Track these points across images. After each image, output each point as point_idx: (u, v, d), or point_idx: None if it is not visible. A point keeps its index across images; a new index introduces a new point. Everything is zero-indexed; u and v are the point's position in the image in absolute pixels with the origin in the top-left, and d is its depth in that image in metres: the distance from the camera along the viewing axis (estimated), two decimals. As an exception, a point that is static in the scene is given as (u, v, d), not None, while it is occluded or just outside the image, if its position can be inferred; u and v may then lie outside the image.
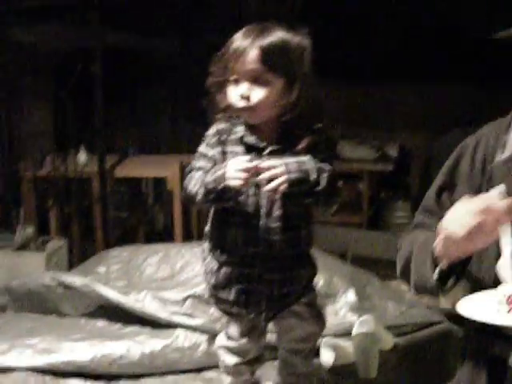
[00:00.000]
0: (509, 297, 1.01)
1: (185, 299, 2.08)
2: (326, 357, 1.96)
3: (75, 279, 2.15)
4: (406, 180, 5.30)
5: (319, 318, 1.64)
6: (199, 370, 1.94)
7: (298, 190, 1.36)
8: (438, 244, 1.06)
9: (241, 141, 1.43)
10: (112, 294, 2.07)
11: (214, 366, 1.93)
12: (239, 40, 1.37)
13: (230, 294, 1.51)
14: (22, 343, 1.97)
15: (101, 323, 2.16)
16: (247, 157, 1.36)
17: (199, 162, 1.45)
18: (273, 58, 1.36)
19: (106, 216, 3.67)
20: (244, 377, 1.61)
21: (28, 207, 3.84)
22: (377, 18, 4.65)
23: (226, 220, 1.47)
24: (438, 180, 1.25)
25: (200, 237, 3.68)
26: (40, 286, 2.21)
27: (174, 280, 2.37)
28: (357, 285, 2.26)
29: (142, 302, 2.08)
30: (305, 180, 1.35)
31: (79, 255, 3.85)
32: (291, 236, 1.46)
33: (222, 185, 1.34)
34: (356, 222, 4.66)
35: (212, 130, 1.47)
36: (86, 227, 4.05)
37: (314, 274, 1.60)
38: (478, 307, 1.02)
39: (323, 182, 1.37)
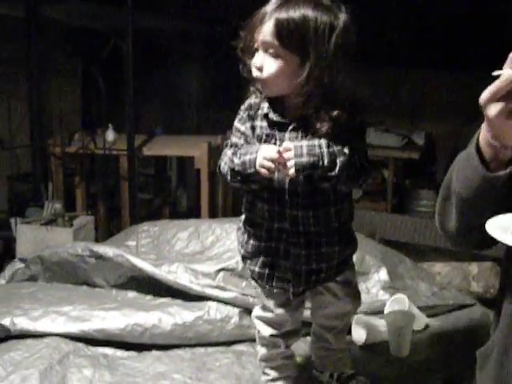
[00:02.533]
0: None
1: (217, 272, 2.08)
2: (358, 334, 1.95)
3: (107, 249, 2.16)
4: (432, 168, 5.26)
5: (355, 296, 1.63)
6: (230, 343, 1.94)
7: (310, 174, 1.33)
8: (481, 131, 0.99)
9: (266, 116, 1.41)
10: (145, 265, 2.07)
11: (245, 340, 1.95)
12: (263, 10, 1.33)
13: (256, 266, 1.51)
14: (55, 310, 1.98)
15: (132, 294, 2.17)
16: (276, 147, 1.34)
17: (233, 138, 1.47)
18: (286, 34, 1.29)
19: (134, 194, 3.69)
20: (279, 349, 1.60)
21: (56, 183, 3.88)
22: (407, 7, 4.58)
23: (255, 194, 1.47)
24: None
25: (225, 216, 3.70)
26: (72, 255, 2.22)
27: (205, 255, 2.37)
28: (389, 264, 2.24)
29: (175, 273, 2.08)
30: (315, 164, 1.31)
31: (105, 233, 3.88)
32: (318, 213, 1.43)
33: (250, 171, 1.35)
34: (381, 209, 4.65)
35: (244, 105, 1.46)
36: (112, 206, 4.09)
37: (352, 253, 1.58)
38: (502, 225, 0.96)
39: (338, 167, 1.31)
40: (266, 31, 1.31)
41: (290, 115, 1.40)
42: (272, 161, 1.32)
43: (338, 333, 1.67)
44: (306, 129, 1.37)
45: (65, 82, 4.27)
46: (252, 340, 1.82)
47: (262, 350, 1.63)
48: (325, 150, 1.32)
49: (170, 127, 4.91)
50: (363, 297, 2.08)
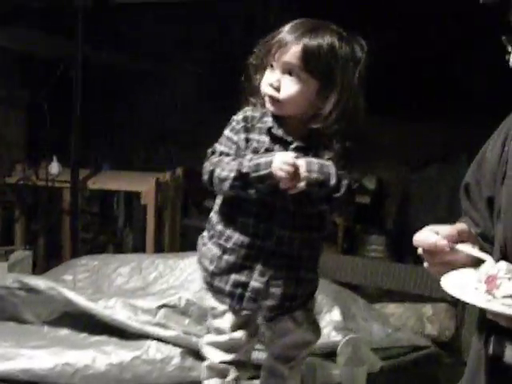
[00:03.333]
0: (489, 276, 0.95)
1: (158, 308, 1.92)
2: (310, 377, 1.82)
3: (39, 282, 1.99)
4: (382, 214, 5.26)
5: (316, 326, 1.55)
6: (171, 385, 1.79)
7: (317, 191, 1.33)
8: None
9: (268, 131, 1.39)
10: (79, 299, 1.91)
11: (187, 382, 1.79)
12: (287, 31, 1.35)
13: (227, 285, 1.41)
14: (-24, 348, 1.78)
15: (65, 331, 1.99)
16: (293, 154, 1.33)
17: (222, 147, 1.42)
18: (313, 58, 1.32)
19: (75, 231, 3.50)
20: (228, 379, 1.46)
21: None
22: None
23: (240, 206, 1.40)
24: (466, 176, 1.22)
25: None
26: (0, 287, 2.03)
27: (146, 291, 2.22)
28: (342, 304, 2.14)
29: (112, 308, 1.92)
30: (324, 183, 1.31)
31: (44, 270, 3.65)
32: (305, 236, 1.40)
33: (263, 172, 1.31)
34: (331, 253, 4.58)
35: (239, 116, 1.43)
36: (53, 241, 3.87)
37: (318, 281, 1.52)
38: (458, 282, 0.96)
39: (342, 190, 1.33)
40: (291, 54, 1.33)
41: (293, 134, 1.38)
42: (292, 166, 1.30)
43: (294, 366, 1.55)
44: (308, 149, 1.36)
45: (9, 112, 4.09)
46: (195, 383, 1.67)
47: (208, 379, 1.49)
48: (334, 170, 1.31)
49: (119, 162, 4.77)
50: (314, 337, 1.98)
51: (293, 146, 1.37)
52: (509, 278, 0.92)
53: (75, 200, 3.42)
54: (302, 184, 1.29)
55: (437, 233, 0.99)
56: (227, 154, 1.40)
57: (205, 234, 1.48)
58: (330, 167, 1.32)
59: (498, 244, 1.14)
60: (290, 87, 1.33)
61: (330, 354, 1.93)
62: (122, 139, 5.01)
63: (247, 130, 1.40)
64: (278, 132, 1.38)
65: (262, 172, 1.32)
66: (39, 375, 1.71)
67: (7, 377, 1.70)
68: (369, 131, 5.18)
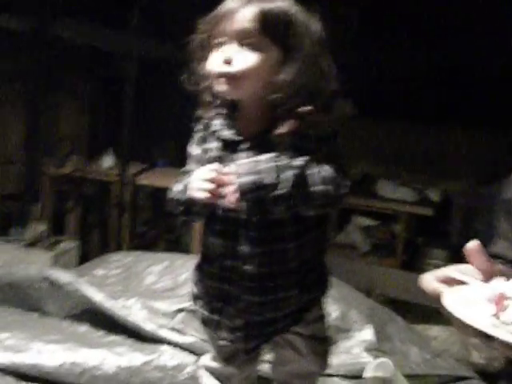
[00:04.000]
0: (499, 295, 0.78)
1: (176, 312, 1.83)
2: (330, 400, 1.68)
3: (61, 275, 1.93)
4: (446, 227, 5.00)
5: (322, 355, 1.34)
6: (181, 395, 1.69)
7: (256, 196, 1.06)
8: None
9: (216, 135, 1.18)
10: (96, 296, 1.84)
11: (199, 393, 1.68)
12: (233, 1, 1.12)
13: (205, 311, 1.26)
14: (-11, 337, 1.75)
15: (84, 328, 1.93)
16: (215, 165, 1.11)
17: (188, 165, 1.24)
18: (271, 18, 1.09)
19: (122, 223, 3.48)
20: None
21: (45, 205, 3.70)
22: (433, 62, 4.44)
23: (207, 227, 1.23)
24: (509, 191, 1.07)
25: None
26: (24, 278, 2.00)
27: (175, 292, 2.13)
28: (376, 322, 1.97)
29: (129, 309, 1.84)
30: (257, 183, 1.06)
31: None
32: (272, 249, 1.17)
33: (184, 197, 1.14)
34: (389, 265, 4.40)
35: (198, 125, 1.23)
36: (106, 234, 3.88)
37: (318, 297, 1.30)
38: (465, 302, 0.81)
39: (285, 183, 1.06)
40: (243, 18, 1.09)
41: (248, 132, 1.16)
42: (211, 181, 1.08)
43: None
44: (265, 146, 1.11)
45: (69, 104, 4.14)
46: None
47: None
48: (270, 164, 1.06)
49: (177, 160, 4.75)
50: (342, 357, 1.83)
51: (245, 147, 1.14)
52: None
53: (122, 193, 3.40)
54: (235, 196, 1.06)
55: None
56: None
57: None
58: (265, 161, 1.07)
59: None
60: (246, 57, 1.09)
61: (357, 377, 1.77)
62: (182, 136, 5.00)
63: (204, 139, 1.20)
64: (225, 134, 1.16)
65: (183, 198, 1.14)
66: (45, 372, 1.65)
67: (12, 369, 1.65)
68: (435, 141, 5.01)
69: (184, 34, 1.18)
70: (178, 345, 1.73)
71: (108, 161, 3.75)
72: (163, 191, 4.53)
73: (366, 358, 1.83)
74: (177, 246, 4.47)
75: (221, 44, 1.12)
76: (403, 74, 4.47)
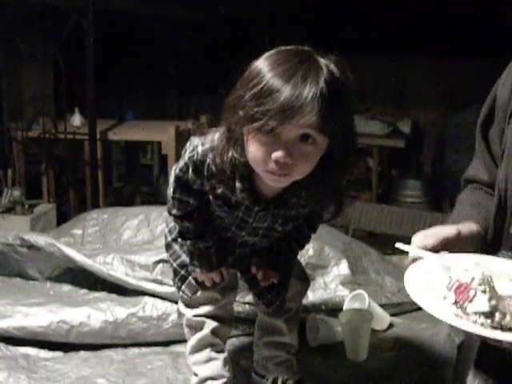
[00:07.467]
0: (460, 285, 0.80)
1: (155, 264, 1.86)
2: (311, 334, 1.75)
3: (39, 238, 1.95)
4: (419, 158, 5.07)
5: (303, 273, 1.53)
6: (167, 343, 1.74)
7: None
8: None
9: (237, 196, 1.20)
10: (77, 255, 1.86)
11: (184, 340, 1.73)
12: (281, 84, 0.99)
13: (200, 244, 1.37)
14: (-27, 305, 1.77)
15: (66, 288, 1.97)
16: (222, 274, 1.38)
17: (181, 194, 1.28)
18: (331, 118, 1.01)
19: (96, 182, 3.48)
20: (205, 331, 1.41)
21: (18, 170, 3.67)
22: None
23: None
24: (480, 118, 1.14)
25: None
26: (3, 244, 2.01)
27: (153, 245, 2.16)
28: (351, 256, 2.03)
29: (110, 264, 1.87)
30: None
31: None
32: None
33: (192, 268, 1.38)
34: (365, 199, 4.47)
35: (188, 159, 1.21)
36: (82, 193, 3.87)
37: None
38: (424, 282, 0.84)
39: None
40: (306, 121, 1.00)
41: (264, 195, 1.20)
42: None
43: (291, 319, 1.49)
44: (277, 207, 1.23)
45: (30, 65, 4.04)
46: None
47: (189, 339, 1.46)
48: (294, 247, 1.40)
49: (147, 113, 4.70)
50: (320, 292, 1.89)
51: (259, 208, 1.21)
52: (483, 291, 0.77)
53: (94, 151, 3.38)
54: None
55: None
56: (188, 203, 1.29)
57: None
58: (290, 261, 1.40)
59: (497, 189, 1.04)
60: (308, 157, 1.05)
61: (335, 309, 1.84)
62: (149, 89, 4.93)
63: (211, 176, 1.19)
64: (248, 201, 1.20)
65: (192, 267, 1.37)
66: (35, 332, 1.69)
67: (3, 334, 1.69)
68: (403, 73, 5.00)
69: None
70: (160, 295, 1.77)
71: (76, 120, 3.72)
72: (135, 144, 4.50)
73: (343, 291, 1.90)
74: (156, 198, 4.49)
75: (268, 132, 1.02)
76: (370, 10, 4.43)
